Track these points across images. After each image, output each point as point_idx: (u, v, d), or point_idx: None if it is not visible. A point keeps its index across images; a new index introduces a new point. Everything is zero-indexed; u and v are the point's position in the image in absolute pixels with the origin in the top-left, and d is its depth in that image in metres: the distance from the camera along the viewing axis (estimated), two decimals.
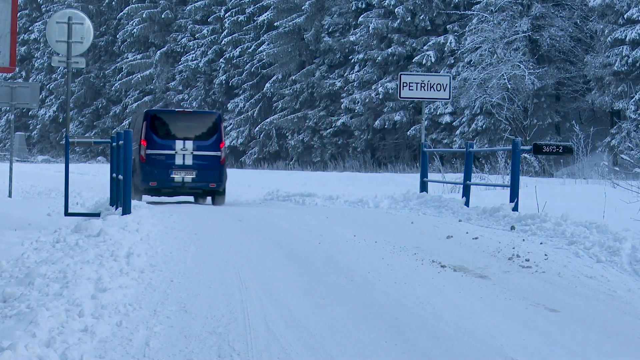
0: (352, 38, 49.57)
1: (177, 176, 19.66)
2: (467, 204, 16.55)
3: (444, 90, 21.31)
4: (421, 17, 46.81)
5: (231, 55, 60.74)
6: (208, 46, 63.47)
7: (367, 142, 50.14)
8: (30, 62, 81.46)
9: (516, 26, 39.76)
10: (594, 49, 37.77)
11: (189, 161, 19.64)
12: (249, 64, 59.40)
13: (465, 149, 17.25)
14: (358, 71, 49.84)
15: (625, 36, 35.45)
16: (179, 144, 19.66)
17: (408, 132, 46.29)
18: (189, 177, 19.65)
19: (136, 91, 68.81)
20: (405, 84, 21.21)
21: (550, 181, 26.81)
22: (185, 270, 9.33)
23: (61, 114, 75.51)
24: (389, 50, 47.45)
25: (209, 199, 20.96)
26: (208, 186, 19.86)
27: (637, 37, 35.17)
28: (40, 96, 72.01)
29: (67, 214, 15.60)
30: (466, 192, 16.92)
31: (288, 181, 33.52)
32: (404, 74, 21.72)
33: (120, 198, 14.79)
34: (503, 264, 9.93)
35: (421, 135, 22.33)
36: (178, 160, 19.64)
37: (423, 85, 21.23)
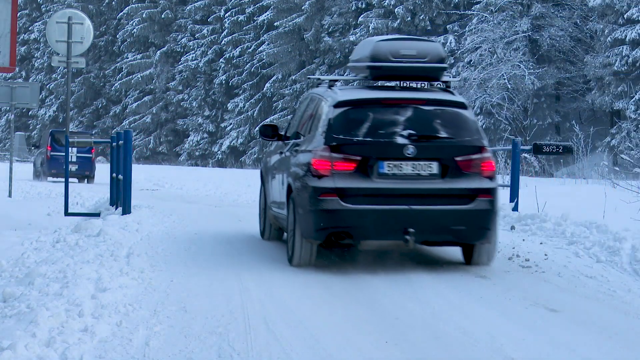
0: (352, 38, 49.54)
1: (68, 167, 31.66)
2: None
3: None
4: (421, 17, 46.81)
5: (231, 55, 60.72)
6: (208, 46, 63.45)
7: None
8: (30, 62, 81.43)
9: (516, 26, 39.75)
10: (594, 49, 37.77)
11: (74, 159, 31.65)
12: (249, 64, 59.38)
13: None
14: None
15: (625, 36, 35.44)
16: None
17: None
18: (74, 167, 31.43)
19: (136, 91, 68.79)
20: None
21: (550, 181, 26.80)
22: (185, 270, 9.33)
23: (61, 114, 75.47)
24: None
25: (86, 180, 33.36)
26: (84, 173, 32.51)
27: (637, 37, 35.17)
28: (40, 96, 71.97)
29: (67, 214, 15.60)
30: None
31: None
32: None
33: (120, 198, 14.80)
34: (503, 264, 9.92)
35: None
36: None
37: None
